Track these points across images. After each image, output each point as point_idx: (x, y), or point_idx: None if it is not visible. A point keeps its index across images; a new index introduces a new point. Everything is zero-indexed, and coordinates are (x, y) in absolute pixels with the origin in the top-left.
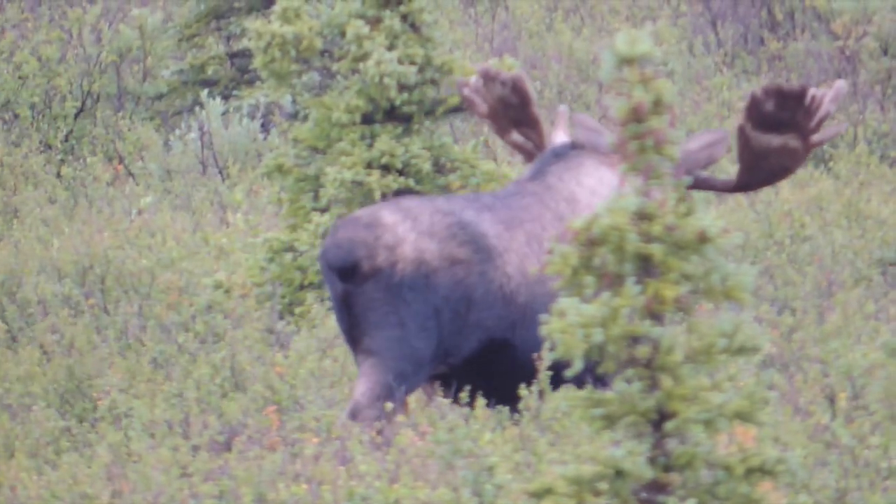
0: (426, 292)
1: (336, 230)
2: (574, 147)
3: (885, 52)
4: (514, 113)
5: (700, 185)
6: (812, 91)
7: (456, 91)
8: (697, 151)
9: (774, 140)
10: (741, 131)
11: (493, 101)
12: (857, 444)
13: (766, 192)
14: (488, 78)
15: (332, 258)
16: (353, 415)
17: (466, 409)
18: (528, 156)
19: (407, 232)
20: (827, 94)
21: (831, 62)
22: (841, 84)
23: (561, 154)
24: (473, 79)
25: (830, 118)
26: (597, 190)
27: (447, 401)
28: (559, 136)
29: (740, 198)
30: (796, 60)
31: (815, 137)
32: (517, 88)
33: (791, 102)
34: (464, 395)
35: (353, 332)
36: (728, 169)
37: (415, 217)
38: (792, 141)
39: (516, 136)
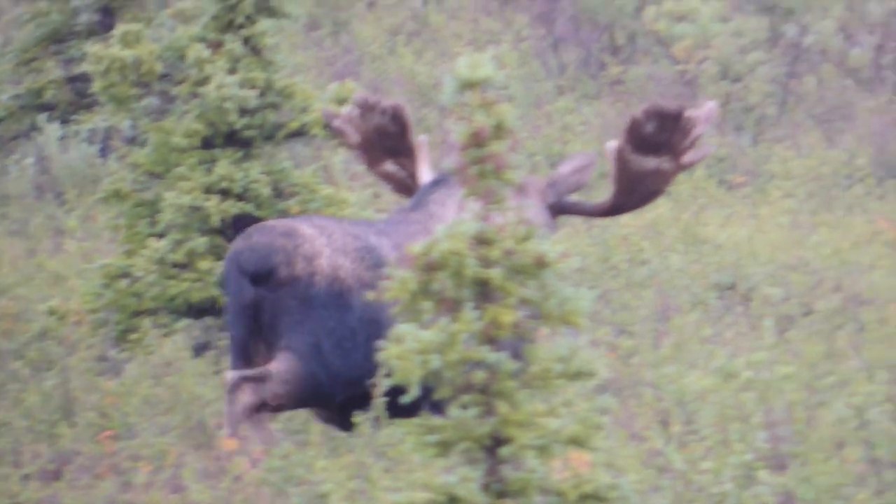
0: (342, 311)
1: (250, 236)
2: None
3: (724, 77)
4: (390, 142)
5: (570, 209)
6: (688, 111)
7: (298, 116)
8: (568, 176)
9: (651, 162)
10: (620, 153)
11: (369, 130)
12: (689, 469)
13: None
14: (366, 107)
15: (246, 262)
16: (258, 380)
17: (301, 436)
18: (400, 186)
19: (323, 246)
20: (700, 115)
21: (672, 86)
22: (712, 105)
23: (441, 181)
24: (347, 109)
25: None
26: None
27: (279, 427)
28: (423, 170)
29: (578, 222)
30: (637, 84)
31: (686, 159)
32: (397, 117)
33: (669, 123)
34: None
35: (265, 336)
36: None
37: (329, 234)
38: (666, 163)
39: (390, 166)
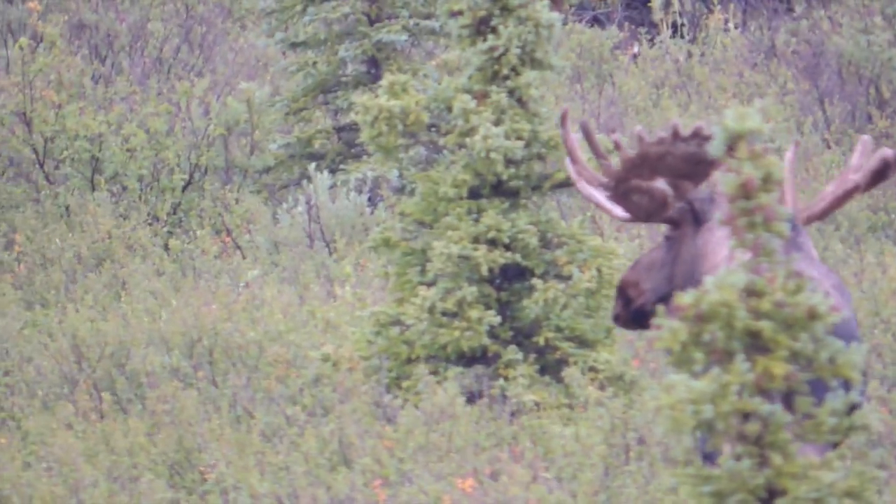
0: None
1: None
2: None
3: None
4: (688, 167)
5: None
6: None
7: (564, 167)
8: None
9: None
10: (855, 189)
11: (667, 152)
12: None
13: (873, 270)
14: (696, 135)
15: None
16: None
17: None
18: (656, 204)
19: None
20: None
21: None
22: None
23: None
24: (638, 129)
25: None
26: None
27: None
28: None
29: (847, 276)
30: None
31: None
32: (702, 138)
33: None
34: None
35: None
36: None
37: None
38: None
39: (660, 183)
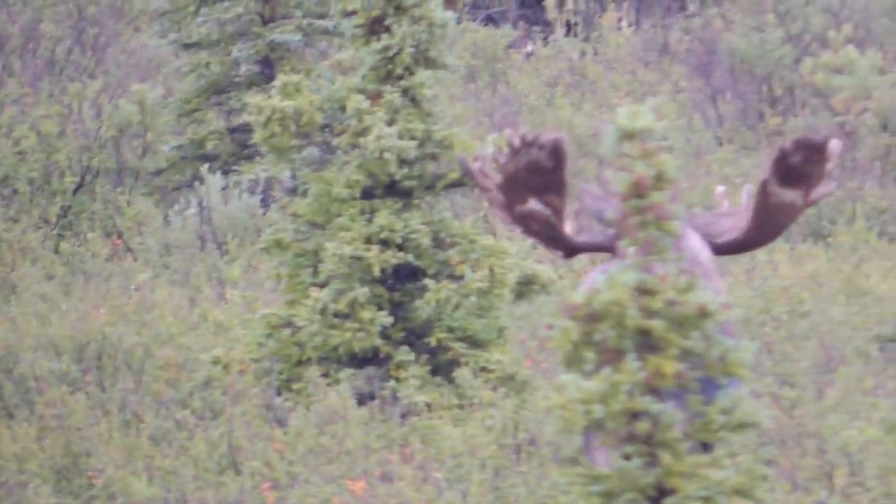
0: None
1: None
2: None
3: (885, 128)
4: (541, 178)
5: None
6: (831, 143)
7: (457, 166)
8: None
9: (789, 195)
10: (764, 186)
11: (519, 167)
12: None
13: (764, 268)
14: (525, 143)
15: None
16: None
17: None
18: (542, 224)
19: None
20: (833, 149)
21: (831, 137)
22: (837, 143)
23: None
24: (489, 150)
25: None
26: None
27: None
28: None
29: (738, 273)
30: (813, 134)
31: (815, 194)
32: (557, 149)
33: (815, 155)
34: None
35: None
36: None
37: None
38: (798, 198)
39: (534, 204)
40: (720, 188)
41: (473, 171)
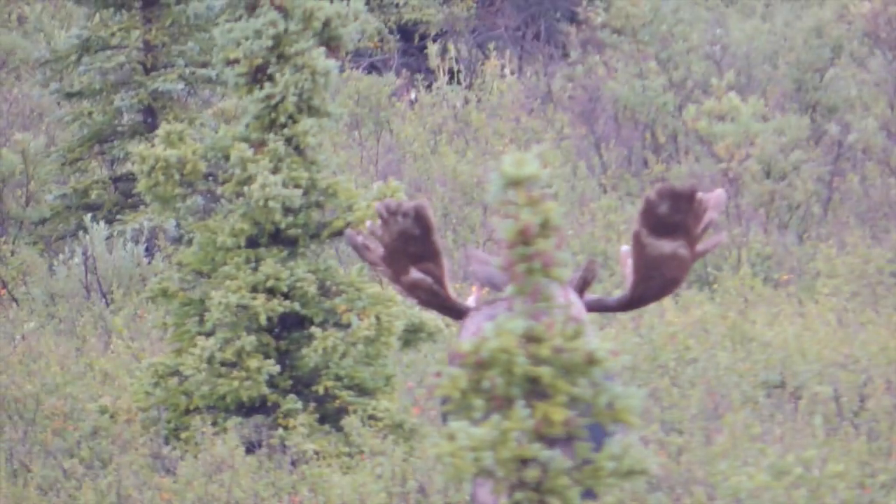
0: None
1: None
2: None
3: (768, 175)
4: (414, 246)
5: (593, 307)
6: (700, 193)
7: (342, 214)
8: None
9: (667, 246)
10: (637, 238)
11: (393, 237)
12: None
13: (650, 316)
14: (390, 212)
15: None
16: None
17: None
18: (428, 294)
19: None
20: (711, 200)
21: (714, 184)
22: (721, 193)
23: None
24: (368, 223)
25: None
26: None
27: None
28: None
29: (625, 321)
30: (680, 183)
31: (701, 246)
32: (420, 216)
33: (683, 204)
34: None
35: None
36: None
37: None
38: (681, 248)
39: (415, 274)
40: (625, 248)
41: (359, 246)
